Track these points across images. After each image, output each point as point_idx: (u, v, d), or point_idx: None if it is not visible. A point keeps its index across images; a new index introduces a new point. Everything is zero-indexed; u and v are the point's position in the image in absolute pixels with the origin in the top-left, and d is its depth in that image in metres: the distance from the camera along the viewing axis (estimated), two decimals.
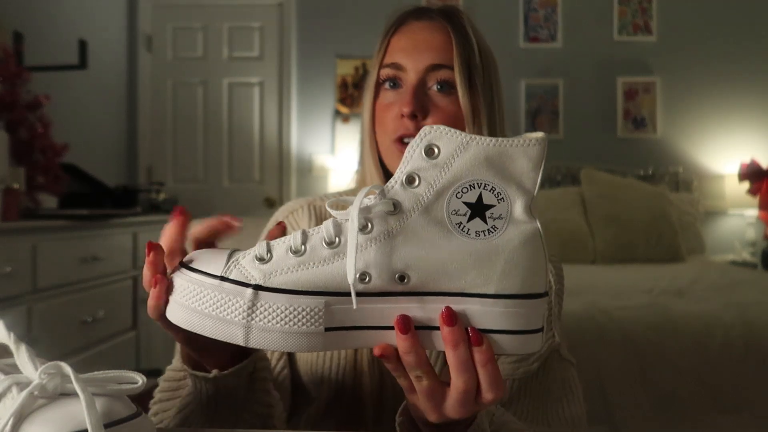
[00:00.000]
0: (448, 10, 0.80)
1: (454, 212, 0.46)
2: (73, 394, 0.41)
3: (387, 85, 0.79)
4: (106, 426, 0.39)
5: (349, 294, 0.45)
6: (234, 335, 0.46)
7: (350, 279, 0.44)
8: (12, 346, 0.44)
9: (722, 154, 3.82)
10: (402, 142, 0.76)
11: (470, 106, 0.76)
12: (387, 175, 0.79)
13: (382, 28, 0.83)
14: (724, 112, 3.83)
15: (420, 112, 0.75)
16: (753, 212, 3.67)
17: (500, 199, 0.46)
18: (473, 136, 0.46)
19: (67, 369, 0.42)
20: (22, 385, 0.42)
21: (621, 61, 3.89)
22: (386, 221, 0.46)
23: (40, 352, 0.45)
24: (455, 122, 0.76)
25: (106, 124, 3.65)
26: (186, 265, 0.49)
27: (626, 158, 3.84)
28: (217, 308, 0.46)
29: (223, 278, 0.46)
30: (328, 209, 0.48)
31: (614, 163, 3.79)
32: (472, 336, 0.46)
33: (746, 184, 3.63)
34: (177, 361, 0.66)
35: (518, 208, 0.47)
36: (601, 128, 3.91)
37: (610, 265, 3.09)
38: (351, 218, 0.45)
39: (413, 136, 0.74)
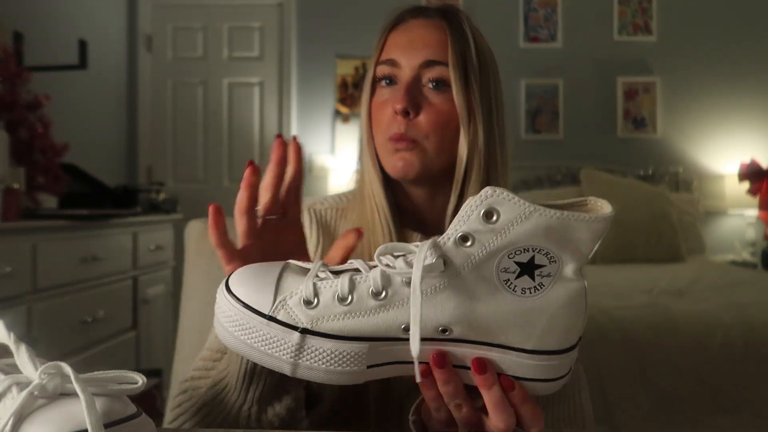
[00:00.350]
0: (447, 8, 0.80)
1: (503, 270, 0.46)
2: (73, 394, 0.41)
3: (383, 82, 0.79)
4: (106, 426, 0.39)
5: (393, 339, 0.47)
6: (281, 368, 0.49)
7: (414, 353, 0.45)
8: (12, 346, 0.44)
9: (722, 154, 3.82)
10: (394, 140, 0.76)
11: (465, 105, 0.75)
12: (384, 174, 0.79)
13: (382, 28, 0.83)
14: (724, 112, 3.83)
15: (413, 109, 0.75)
16: (753, 212, 3.67)
17: (552, 261, 0.46)
18: (537, 207, 0.45)
19: (67, 369, 0.42)
20: (22, 385, 0.42)
21: (621, 61, 3.89)
22: (435, 277, 0.46)
23: (40, 352, 0.45)
24: (448, 120, 0.75)
25: (106, 124, 3.65)
26: (230, 290, 0.50)
27: (626, 158, 3.84)
28: (265, 344, 0.48)
29: (271, 318, 0.48)
30: (377, 259, 0.48)
31: (614, 163, 3.79)
32: (503, 382, 0.48)
33: (746, 184, 3.63)
34: (214, 342, 0.69)
35: (569, 269, 0.47)
36: (601, 128, 3.91)
37: (610, 265, 3.09)
38: (413, 287, 0.45)
39: (404, 134, 0.74)
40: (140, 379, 0.44)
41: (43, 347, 1.86)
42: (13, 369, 0.44)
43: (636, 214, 3.24)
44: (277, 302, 0.48)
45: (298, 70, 3.96)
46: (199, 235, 1.18)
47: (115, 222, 2.47)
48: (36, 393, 0.41)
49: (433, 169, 0.77)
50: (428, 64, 0.76)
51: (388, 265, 0.47)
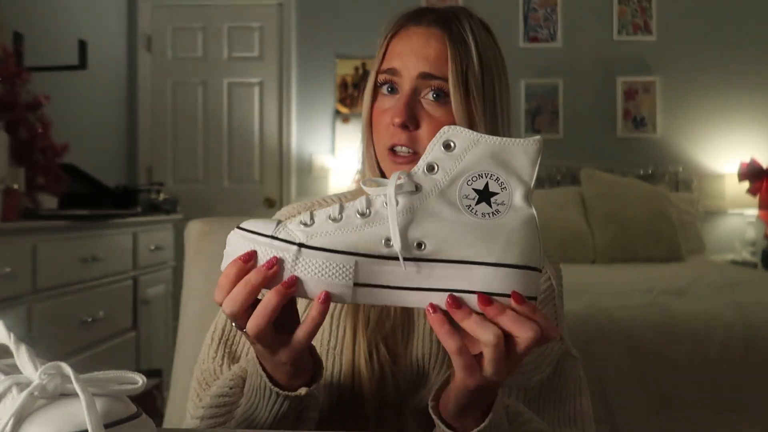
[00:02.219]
0: (448, 15, 0.78)
1: (464, 196, 0.55)
2: (73, 395, 0.41)
3: (385, 89, 0.78)
4: (107, 426, 0.39)
5: (376, 256, 0.54)
6: (281, 273, 0.55)
7: (396, 246, 0.53)
8: (12, 347, 0.44)
9: (722, 154, 3.82)
10: (393, 150, 0.76)
11: (466, 117, 0.75)
12: (384, 178, 0.79)
13: (382, 28, 0.82)
14: (724, 112, 3.83)
15: (411, 123, 0.74)
16: (753, 212, 3.67)
17: (503, 188, 0.56)
18: (483, 135, 0.56)
19: (67, 369, 0.42)
20: (22, 386, 0.42)
21: (621, 60, 3.89)
22: (409, 199, 0.55)
23: (40, 353, 0.45)
24: None
25: (106, 124, 3.65)
26: (239, 227, 0.58)
27: (626, 158, 3.84)
28: (268, 258, 0.56)
29: (273, 237, 0.56)
30: (362, 186, 0.57)
31: (614, 163, 3.79)
32: (480, 301, 0.53)
33: (746, 184, 3.63)
34: (230, 380, 0.68)
35: (518, 196, 0.56)
36: (601, 128, 3.91)
37: (610, 265, 3.09)
38: (389, 196, 0.55)
39: (405, 145, 0.76)
40: (140, 380, 0.44)
41: (43, 347, 1.86)
42: (14, 369, 0.44)
43: (636, 214, 3.24)
44: (278, 225, 0.56)
45: (298, 70, 3.96)
46: (199, 235, 1.18)
47: (115, 222, 2.47)
48: (36, 393, 0.41)
49: None
50: (426, 76, 0.75)
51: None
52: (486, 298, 0.53)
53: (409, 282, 0.55)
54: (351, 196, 0.87)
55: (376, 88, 0.80)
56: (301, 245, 0.55)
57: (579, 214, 3.33)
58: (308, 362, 0.63)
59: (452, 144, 0.56)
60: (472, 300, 0.54)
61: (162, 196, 3.29)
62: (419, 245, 0.54)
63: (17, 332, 0.45)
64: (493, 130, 0.76)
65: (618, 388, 1.81)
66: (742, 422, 1.79)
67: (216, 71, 3.97)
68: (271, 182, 3.96)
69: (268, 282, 0.55)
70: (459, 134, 0.56)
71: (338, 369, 0.76)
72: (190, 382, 0.82)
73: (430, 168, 0.56)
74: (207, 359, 0.81)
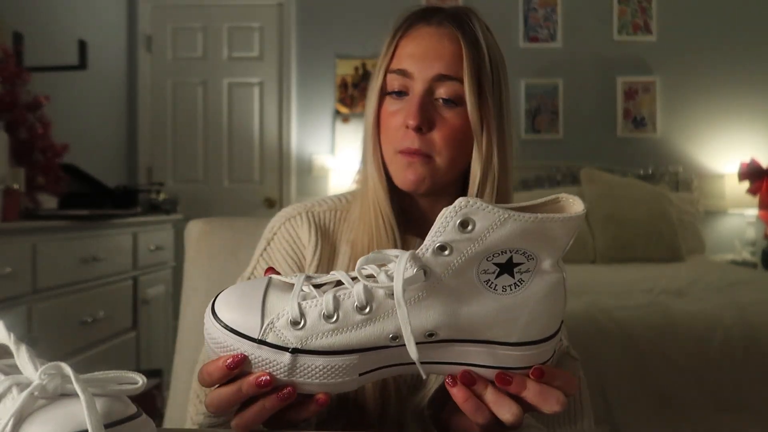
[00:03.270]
0: (459, 14, 0.77)
1: (483, 271, 0.48)
2: (73, 395, 0.41)
3: (393, 92, 0.77)
4: (107, 426, 0.39)
5: (382, 347, 0.49)
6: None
7: (413, 356, 0.47)
8: (12, 347, 0.44)
9: (722, 154, 3.82)
10: (406, 154, 0.74)
11: (480, 120, 0.73)
12: (390, 183, 0.77)
13: (382, 28, 0.81)
14: (724, 112, 3.83)
15: (425, 125, 0.73)
16: (753, 212, 3.67)
17: (530, 258, 0.48)
18: (511, 213, 0.46)
19: (68, 369, 0.42)
20: (22, 386, 0.42)
21: (621, 60, 3.89)
22: (417, 287, 0.48)
23: (40, 353, 0.45)
24: (462, 136, 0.74)
25: (106, 124, 3.65)
26: (216, 315, 0.50)
27: (626, 158, 3.84)
28: (257, 367, 0.50)
29: (261, 342, 0.49)
30: (357, 275, 0.49)
31: (614, 163, 3.79)
32: (498, 380, 0.51)
33: (746, 184, 3.63)
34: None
35: (546, 264, 0.49)
36: (601, 128, 3.91)
37: (610, 265, 3.09)
38: (397, 299, 0.46)
39: (418, 149, 0.73)
40: (140, 380, 0.44)
41: (43, 347, 1.86)
42: (14, 369, 0.44)
43: (636, 214, 3.24)
44: (265, 325, 0.49)
45: (298, 70, 3.96)
46: (199, 235, 1.17)
47: (115, 222, 2.47)
48: (36, 393, 0.41)
49: (442, 182, 0.76)
50: (441, 77, 0.74)
51: (371, 276, 0.49)
52: (504, 377, 0.50)
53: (420, 359, 0.50)
54: (351, 196, 0.87)
55: (383, 89, 0.78)
56: (295, 350, 0.49)
57: None
58: None
59: (471, 224, 0.46)
60: (488, 373, 0.51)
61: (162, 196, 3.29)
62: (430, 335, 0.49)
63: (17, 332, 0.45)
64: (500, 132, 0.76)
65: (618, 388, 1.81)
66: (742, 422, 1.79)
67: (216, 71, 3.97)
68: (271, 182, 3.96)
69: (261, 394, 0.50)
70: (480, 212, 0.46)
71: None
72: (191, 383, 0.82)
73: (442, 248, 0.47)
74: (206, 359, 0.81)
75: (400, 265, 0.47)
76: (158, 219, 2.91)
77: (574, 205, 0.48)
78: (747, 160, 3.66)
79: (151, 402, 2.21)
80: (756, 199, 3.60)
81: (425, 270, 0.47)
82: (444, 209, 0.47)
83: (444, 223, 0.47)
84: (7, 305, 1.84)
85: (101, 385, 0.42)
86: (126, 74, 3.88)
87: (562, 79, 3.90)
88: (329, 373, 0.49)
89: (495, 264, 0.47)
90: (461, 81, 0.73)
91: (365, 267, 0.49)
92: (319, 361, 0.49)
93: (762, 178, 3.58)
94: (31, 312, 1.94)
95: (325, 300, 0.49)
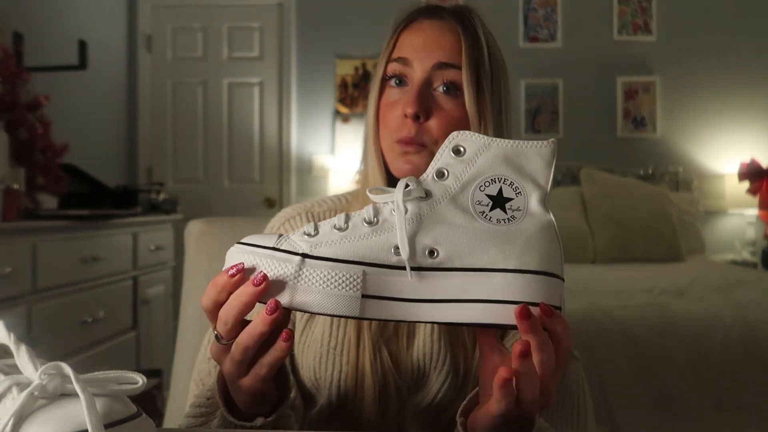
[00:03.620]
0: (460, 10, 0.79)
1: (477, 203, 0.53)
2: (73, 395, 0.41)
3: (393, 82, 0.77)
4: (107, 426, 0.39)
5: (385, 266, 0.51)
6: (281, 295, 0.51)
7: (404, 254, 0.50)
8: (12, 347, 0.44)
9: (722, 154, 3.82)
10: (403, 143, 0.75)
11: (477, 111, 0.74)
12: (389, 175, 0.78)
13: (382, 28, 0.82)
14: (724, 112, 3.84)
15: (423, 113, 0.74)
16: (753, 212, 3.67)
17: (518, 193, 0.53)
18: (494, 138, 0.54)
19: (68, 369, 0.42)
20: (22, 386, 0.42)
21: (621, 60, 3.89)
22: (418, 205, 0.53)
23: (40, 353, 0.45)
24: (459, 126, 0.74)
25: (106, 124, 3.65)
26: (240, 242, 0.54)
27: (626, 158, 3.84)
28: (269, 270, 0.51)
29: (275, 248, 0.52)
30: (368, 194, 0.55)
31: (614, 163, 3.79)
32: (519, 314, 0.49)
33: (746, 184, 3.63)
34: (208, 390, 0.65)
35: (534, 201, 0.54)
36: (601, 128, 3.91)
37: (610, 265, 3.09)
38: (396, 202, 0.52)
39: (415, 138, 0.74)
40: (140, 380, 0.44)
41: (43, 347, 1.86)
42: (14, 369, 0.44)
43: (636, 214, 3.24)
44: (280, 238, 0.53)
45: (298, 70, 3.96)
46: (199, 235, 1.18)
47: (115, 222, 2.47)
48: (36, 393, 0.41)
49: None
50: (441, 66, 0.75)
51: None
52: (526, 309, 0.49)
53: (422, 293, 0.51)
54: (351, 196, 0.87)
55: (384, 80, 0.78)
56: (304, 255, 0.51)
57: (579, 214, 3.33)
58: (271, 393, 0.60)
59: (462, 149, 0.54)
60: (495, 310, 0.50)
61: (162, 196, 3.29)
62: (431, 252, 0.51)
63: (17, 332, 0.45)
64: (498, 129, 0.76)
65: (618, 388, 1.81)
66: (742, 422, 1.79)
67: (216, 71, 3.98)
68: (271, 182, 3.96)
69: (261, 297, 0.51)
70: (469, 138, 0.54)
71: (338, 370, 0.76)
72: (190, 384, 0.82)
73: (440, 174, 0.54)
74: (204, 359, 0.81)
75: (402, 182, 0.53)
76: (158, 219, 2.91)
77: (548, 139, 0.57)
78: (747, 160, 3.66)
79: (151, 402, 2.21)
80: (756, 199, 3.60)
81: (426, 192, 0.53)
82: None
83: (441, 151, 0.55)
84: (7, 305, 1.84)
85: (101, 385, 0.42)
86: (126, 74, 3.88)
87: (562, 79, 3.90)
88: (333, 280, 0.50)
89: (487, 195, 0.53)
90: (460, 69, 0.75)
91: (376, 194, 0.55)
92: (325, 266, 0.51)
93: (762, 178, 3.58)
94: (31, 312, 1.94)
95: (338, 216, 0.54)
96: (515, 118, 3.91)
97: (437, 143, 0.74)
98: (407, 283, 0.51)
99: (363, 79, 3.89)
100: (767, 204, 3.54)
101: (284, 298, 0.51)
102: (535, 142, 0.54)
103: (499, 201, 0.53)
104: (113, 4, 3.76)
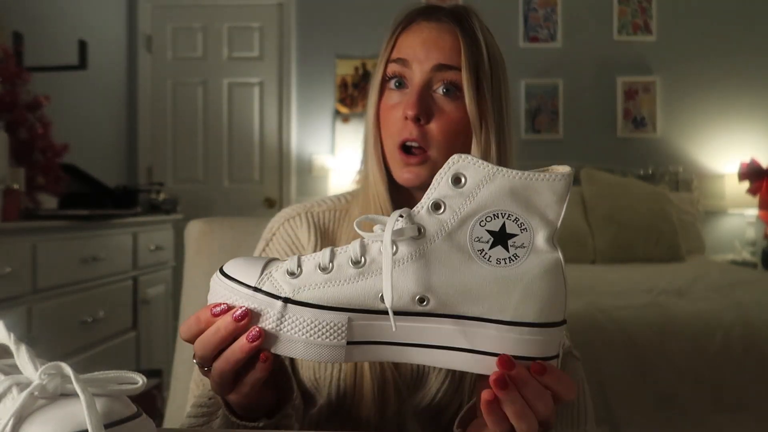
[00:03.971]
0: (458, 11, 0.78)
1: (477, 239, 0.48)
2: (73, 395, 0.41)
3: (393, 84, 0.77)
4: (107, 426, 0.39)
5: (371, 312, 0.48)
6: (266, 342, 0.49)
7: (387, 303, 0.46)
8: (12, 347, 0.44)
9: (722, 154, 3.82)
10: (404, 147, 0.74)
11: (477, 112, 0.74)
12: (390, 177, 0.78)
13: (382, 28, 0.81)
14: (724, 112, 3.84)
15: (424, 115, 0.73)
16: (753, 212, 3.67)
17: (523, 229, 0.48)
18: (500, 168, 0.47)
19: (68, 369, 0.42)
20: (22, 386, 0.42)
21: (621, 60, 3.89)
22: (410, 245, 0.48)
23: (40, 353, 0.45)
24: (460, 128, 0.74)
25: (106, 124, 3.65)
26: (222, 272, 0.52)
27: (626, 158, 3.84)
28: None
29: (256, 289, 0.49)
30: (356, 229, 0.50)
31: (614, 163, 3.79)
32: (501, 364, 0.47)
33: (746, 184, 3.63)
34: (210, 390, 0.65)
35: (540, 238, 0.48)
36: (601, 128, 3.91)
37: (610, 265, 3.08)
38: (384, 244, 0.47)
39: (416, 140, 0.73)
40: (140, 380, 0.44)
41: (43, 347, 1.86)
42: (14, 369, 0.44)
43: (636, 214, 3.24)
44: (263, 274, 0.50)
45: (298, 70, 3.96)
46: (199, 235, 1.18)
47: (115, 222, 2.47)
48: (36, 393, 0.41)
49: None
50: (440, 67, 0.74)
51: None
52: (508, 361, 0.46)
53: (411, 338, 0.48)
54: (351, 197, 0.87)
55: (383, 83, 0.78)
56: (286, 300, 0.49)
57: (579, 214, 3.33)
58: (266, 399, 0.61)
59: (463, 178, 0.48)
60: (487, 362, 0.47)
61: (162, 196, 3.29)
62: (421, 300, 0.48)
63: (17, 332, 0.45)
64: (499, 129, 0.76)
65: (618, 388, 1.81)
66: (742, 422, 1.79)
67: (216, 71, 3.97)
68: (271, 182, 3.96)
69: (239, 333, 0.50)
70: (471, 166, 0.48)
71: (338, 369, 0.76)
72: (191, 384, 0.82)
73: (436, 206, 0.48)
74: None
75: (393, 216, 0.48)
76: (158, 219, 2.91)
77: (562, 169, 0.50)
78: (747, 160, 3.66)
79: (151, 402, 2.21)
80: (756, 199, 3.60)
81: (419, 228, 0.48)
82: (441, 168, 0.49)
83: (438, 180, 0.48)
84: (7, 305, 1.84)
85: (101, 385, 0.42)
86: (126, 74, 3.88)
87: (562, 79, 3.90)
88: (317, 329, 0.48)
89: (488, 231, 0.47)
90: (460, 71, 0.74)
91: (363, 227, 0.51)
92: (308, 314, 0.48)
93: (762, 178, 3.58)
94: (31, 312, 1.94)
95: (323, 253, 0.50)
96: (515, 118, 3.92)
97: (438, 146, 0.74)
98: (395, 327, 0.48)
99: (363, 79, 3.89)
100: (767, 204, 3.54)
101: (266, 344, 0.49)
102: (548, 175, 0.48)
103: (501, 237, 0.48)
104: (113, 4, 3.76)
